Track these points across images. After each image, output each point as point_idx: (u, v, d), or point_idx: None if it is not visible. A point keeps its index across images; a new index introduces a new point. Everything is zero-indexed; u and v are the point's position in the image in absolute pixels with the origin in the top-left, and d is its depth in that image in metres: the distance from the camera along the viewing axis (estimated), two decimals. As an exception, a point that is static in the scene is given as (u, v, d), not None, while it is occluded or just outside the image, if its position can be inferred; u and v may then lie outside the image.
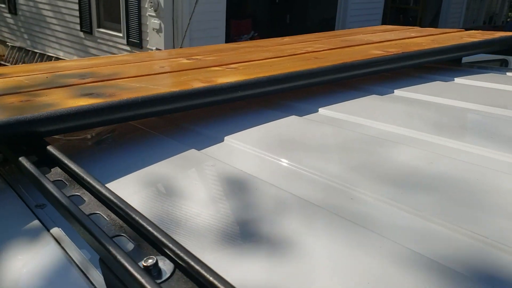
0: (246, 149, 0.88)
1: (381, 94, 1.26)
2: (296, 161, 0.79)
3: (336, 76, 1.23)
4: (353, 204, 0.65)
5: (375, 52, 1.45)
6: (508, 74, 1.53)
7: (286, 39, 1.88)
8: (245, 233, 0.59)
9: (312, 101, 1.19)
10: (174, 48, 6.02)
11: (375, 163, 0.77)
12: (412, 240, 0.56)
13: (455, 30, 2.00)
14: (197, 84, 1.05)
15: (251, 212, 0.63)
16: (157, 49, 6.20)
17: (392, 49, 1.49)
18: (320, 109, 1.12)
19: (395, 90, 1.28)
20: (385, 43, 1.65)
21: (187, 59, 1.41)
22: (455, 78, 1.43)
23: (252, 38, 8.23)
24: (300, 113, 1.09)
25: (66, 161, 0.70)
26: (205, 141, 0.93)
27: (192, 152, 0.86)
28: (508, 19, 14.46)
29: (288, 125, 1.01)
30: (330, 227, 0.59)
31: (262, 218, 0.62)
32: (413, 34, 1.88)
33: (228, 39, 7.19)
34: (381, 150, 0.83)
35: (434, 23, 12.05)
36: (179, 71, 1.24)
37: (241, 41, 8.24)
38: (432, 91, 1.26)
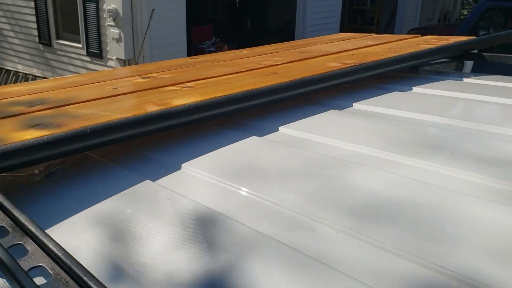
0: (204, 177, 0.84)
1: (340, 108, 1.25)
2: (256, 190, 0.77)
3: (295, 92, 1.21)
4: (315, 237, 0.62)
5: (333, 64, 1.44)
6: (465, 80, 1.56)
7: (245, 51, 1.85)
8: (201, 277, 0.56)
9: (272, 119, 1.17)
10: (135, 57, 5.92)
11: (336, 189, 0.75)
12: (376, 277, 0.54)
13: (411, 36, 2.02)
14: (151, 108, 1.01)
15: (209, 253, 0.60)
16: (117, 59, 6.09)
17: (350, 61, 1.48)
18: (280, 128, 1.10)
19: (353, 104, 1.28)
20: (342, 54, 1.65)
21: (142, 78, 1.37)
22: (413, 88, 1.43)
23: (214, 44, 8.20)
24: (261, 133, 1.07)
25: (7, 205, 0.65)
26: (161, 169, 0.89)
27: (147, 184, 0.82)
28: (462, 17, 14.93)
29: (248, 147, 0.98)
30: (290, 266, 0.56)
31: (220, 259, 0.59)
32: (370, 42, 1.89)
33: (190, 46, 7.11)
34: (342, 174, 0.81)
35: (391, 23, 12.31)
36: (133, 92, 1.20)
37: (203, 47, 8.19)
38: (391, 103, 1.26)
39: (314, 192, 0.75)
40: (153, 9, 4.68)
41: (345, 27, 11.81)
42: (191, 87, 1.22)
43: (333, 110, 1.22)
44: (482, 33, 6.31)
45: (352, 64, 1.42)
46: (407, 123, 1.10)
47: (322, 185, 0.77)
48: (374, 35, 2.13)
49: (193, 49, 7.85)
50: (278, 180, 0.80)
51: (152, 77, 1.38)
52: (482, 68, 1.87)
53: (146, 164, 0.93)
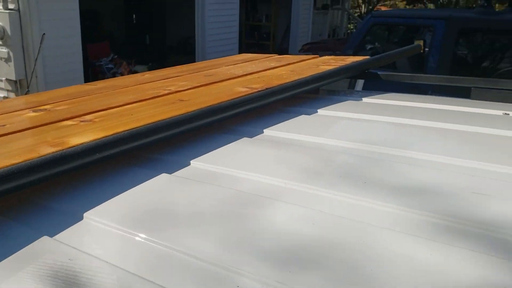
0: (110, 228, 0.76)
1: (251, 135, 1.22)
2: (169, 240, 0.71)
3: (204, 122, 1.16)
4: (239, 293, 0.58)
5: (240, 89, 1.42)
6: (364, 100, 1.61)
7: (147, 75, 1.77)
8: None
9: (181, 151, 1.11)
10: (26, 77, 5.49)
11: (257, 232, 0.72)
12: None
13: (310, 56, 2.08)
14: (46, 149, 0.90)
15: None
16: (7, 80, 5.62)
17: (256, 85, 1.47)
18: (192, 162, 1.04)
19: (264, 130, 1.26)
20: (248, 77, 1.63)
21: (34, 111, 1.24)
22: (318, 110, 1.46)
23: (112, 61, 7.90)
24: (171, 169, 1.01)
25: None
26: (60, 220, 0.79)
27: (44, 241, 0.72)
28: (349, 31, 15.93)
29: (158, 188, 0.91)
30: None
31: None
32: (272, 64, 1.90)
33: (86, 63, 6.78)
34: (261, 213, 0.78)
35: (286, 38, 12.79)
36: (24, 130, 1.07)
37: (100, 64, 7.85)
38: (301, 129, 1.26)
39: (232, 237, 0.70)
40: (44, 34, 4.38)
41: (243, 42, 12.05)
42: (90, 120, 1.13)
43: (245, 138, 1.19)
44: (368, 47, 6.77)
45: (259, 89, 1.41)
46: (319, 150, 1.10)
47: (240, 228, 0.73)
48: (276, 56, 2.16)
49: (90, 67, 7.50)
50: (192, 225, 0.75)
51: (45, 109, 1.25)
52: (376, 86, 1.97)
53: (43, 215, 0.82)
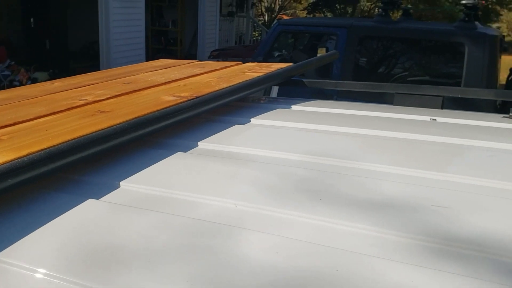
0: (39, 275, 0.62)
1: (185, 149, 1.12)
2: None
3: (132, 136, 1.03)
4: None
5: (168, 98, 1.30)
6: (293, 107, 1.57)
7: (57, 83, 1.59)
8: None
9: (107, 171, 0.97)
10: None
11: (225, 268, 0.62)
12: None
13: (234, 63, 2.00)
14: None
15: None
16: None
17: (184, 93, 1.37)
18: (121, 183, 0.92)
19: (198, 143, 1.16)
20: (172, 85, 1.52)
21: None
22: (250, 119, 1.38)
23: (8, 67, 7.25)
24: (98, 192, 0.87)
25: None
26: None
27: None
28: (254, 38, 16.21)
29: (88, 217, 0.78)
30: None
31: None
32: (196, 71, 1.80)
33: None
34: (225, 244, 0.68)
35: (193, 44, 12.69)
36: None
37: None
38: (238, 140, 1.18)
39: (199, 279, 0.60)
40: None
41: (150, 47, 11.72)
42: (-4, 138, 0.95)
43: (178, 152, 1.08)
44: (276, 54, 6.89)
45: (189, 98, 1.30)
46: (265, 163, 1.02)
47: (206, 266, 0.63)
48: (197, 62, 2.06)
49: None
50: (147, 267, 0.63)
51: None
52: (298, 93, 1.95)
53: None
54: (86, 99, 1.30)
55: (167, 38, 12.70)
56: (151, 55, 11.54)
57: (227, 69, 1.86)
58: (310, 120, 1.38)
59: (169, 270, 0.61)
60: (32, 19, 9.04)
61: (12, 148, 0.88)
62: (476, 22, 4.85)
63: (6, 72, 7.59)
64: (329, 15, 13.86)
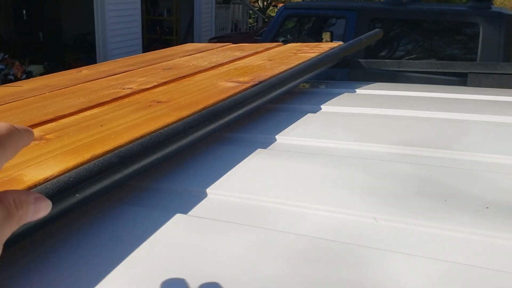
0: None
1: (264, 145, 0.91)
2: None
3: (209, 129, 0.83)
4: None
5: (227, 84, 1.10)
6: (358, 91, 1.37)
7: (84, 71, 1.37)
8: None
9: (182, 176, 0.77)
10: None
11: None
12: None
13: (275, 44, 1.79)
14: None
15: None
16: None
17: (243, 78, 1.16)
18: (208, 191, 0.71)
19: (276, 137, 0.95)
20: (222, 69, 1.31)
21: None
22: (321, 106, 1.18)
23: (2, 61, 6.97)
24: (183, 204, 0.67)
25: None
26: None
27: None
28: (250, 26, 15.90)
29: (183, 237, 0.57)
30: None
31: None
32: (237, 54, 1.59)
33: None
34: (367, 274, 0.48)
35: (189, 32, 12.39)
36: None
37: (-15, 65, 6.87)
38: (319, 132, 0.98)
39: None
40: None
41: (145, 37, 11.42)
42: (41, 138, 0.74)
43: (258, 149, 0.87)
44: (281, 39, 6.68)
45: (252, 83, 1.09)
46: (363, 160, 0.82)
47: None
48: (232, 45, 1.84)
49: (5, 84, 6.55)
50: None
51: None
52: (356, 76, 1.75)
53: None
54: (130, 88, 1.09)
55: (163, 28, 12.40)
56: (146, 45, 11.25)
57: (272, 50, 1.65)
58: (384, 104, 1.18)
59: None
60: (24, 11, 8.70)
61: (67, 151, 0.67)
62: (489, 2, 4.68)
63: (0, 66, 7.31)
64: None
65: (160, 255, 0.54)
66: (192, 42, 12.05)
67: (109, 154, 0.64)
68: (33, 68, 7.91)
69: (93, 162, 0.62)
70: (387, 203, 0.65)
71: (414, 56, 4.83)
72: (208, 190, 0.71)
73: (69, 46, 10.12)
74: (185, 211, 0.65)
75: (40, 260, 0.53)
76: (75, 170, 0.59)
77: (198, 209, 0.66)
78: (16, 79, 7.38)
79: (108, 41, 8.73)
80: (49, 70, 8.38)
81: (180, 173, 0.77)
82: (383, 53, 4.99)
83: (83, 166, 0.60)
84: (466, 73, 1.45)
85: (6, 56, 7.23)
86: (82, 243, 0.57)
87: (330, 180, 0.73)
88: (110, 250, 0.55)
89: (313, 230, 0.59)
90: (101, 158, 0.63)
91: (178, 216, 0.63)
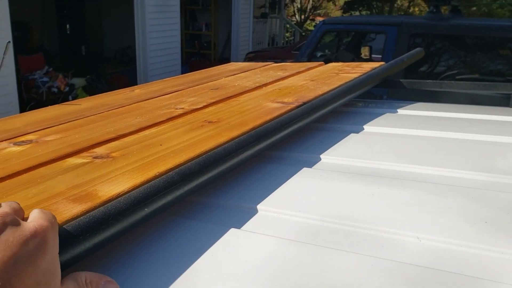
0: None
1: (309, 164, 0.96)
2: None
3: (257, 149, 0.88)
4: None
5: (272, 105, 1.15)
6: (400, 111, 1.40)
7: (137, 90, 1.46)
8: None
9: (232, 193, 0.82)
10: None
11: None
12: None
13: (317, 64, 1.84)
14: (67, 209, 0.59)
15: None
16: None
17: (287, 99, 1.21)
18: (259, 207, 0.76)
19: (321, 156, 1.00)
20: (266, 90, 1.37)
21: (15, 144, 0.90)
22: (363, 126, 1.22)
23: (47, 74, 7.29)
24: (236, 217, 0.72)
25: None
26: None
27: None
28: (287, 39, 16.02)
29: (244, 251, 0.63)
30: None
31: None
32: (280, 73, 1.65)
33: (19, 77, 6.18)
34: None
35: (227, 47, 12.60)
36: (12, 176, 0.74)
37: (34, 77, 7.20)
38: (367, 152, 1.02)
39: None
40: (9, 42, 3.87)
41: (184, 51, 11.69)
42: (107, 156, 0.81)
43: (304, 168, 0.92)
44: (319, 54, 6.72)
45: (296, 104, 1.15)
46: (427, 183, 0.84)
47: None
48: (274, 64, 1.90)
49: (23, 81, 6.88)
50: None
51: (30, 141, 0.92)
52: (395, 95, 1.77)
53: None
54: (182, 108, 1.16)
55: (201, 42, 12.65)
56: (185, 59, 11.50)
57: (314, 70, 1.70)
58: (431, 126, 1.20)
59: None
60: (68, 26, 9.08)
61: (133, 169, 0.74)
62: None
63: (45, 79, 7.63)
64: (364, 13, 13.56)
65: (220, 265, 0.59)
66: (229, 56, 12.26)
67: (171, 172, 0.71)
68: (75, 81, 8.22)
69: (158, 179, 0.68)
70: (429, 224, 0.68)
71: (456, 71, 4.78)
72: (259, 207, 0.76)
73: (110, 59, 10.48)
74: (239, 225, 0.70)
75: (106, 270, 0.59)
76: (143, 187, 0.65)
77: (250, 225, 0.71)
78: (60, 91, 7.70)
79: (148, 55, 8.99)
80: (91, 82, 8.70)
81: (233, 189, 0.83)
82: (423, 68, 4.96)
83: (150, 183, 0.67)
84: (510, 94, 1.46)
85: (50, 69, 7.55)
86: (147, 253, 0.63)
87: (376, 199, 0.77)
88: (172, 260, 0.61)
89: (364, 249, 0.63)
90: (165, 175, 0.70)
91: (232, 230, 0.68)
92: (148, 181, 0.69)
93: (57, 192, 0.66)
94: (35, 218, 0.43)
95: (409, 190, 0.80)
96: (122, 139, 0.92)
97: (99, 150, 0.85)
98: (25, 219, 0.44)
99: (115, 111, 1.16)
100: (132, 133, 0.95)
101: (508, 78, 4.47)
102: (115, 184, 0.68)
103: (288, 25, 15.76)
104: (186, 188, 0.71)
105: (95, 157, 0.81)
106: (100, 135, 0.94)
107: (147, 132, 0.96)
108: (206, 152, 0.81)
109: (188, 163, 0.75)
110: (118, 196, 0.64)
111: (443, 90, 1.53)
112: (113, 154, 0.82)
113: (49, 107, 1.27)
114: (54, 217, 0.45)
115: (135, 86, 1.52)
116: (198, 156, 0.79)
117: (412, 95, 1.62)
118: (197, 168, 0.74)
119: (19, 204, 0.46)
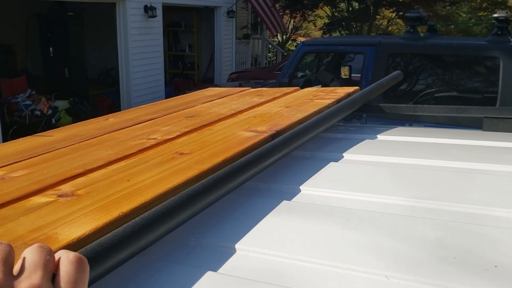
0: None
1: (288, 196, 0.95)
2: None
3: (232, 184, 0.87)
4: None
5: (246, 134, 1.14)
6: (379, 137, 1.39)
7: (111, 119, 1.44)
8: None
9: (208, 231, 0.81)
10: None
11: None
12: None
13: (293, 89, 1.85)
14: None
15: None
16: None
17: (261, 127, 1.21)
18: (237, 246, 0.74)
19: (300, 188, 0.99)
20: (241, 117, 1.36)
21: (-21, 182, 0.88)
22: (343, 154, 1.21)
23: (30, 97, 7.21)
24: (213, 262, 0.71)
25: None
26: None
27: None
28: (269, 59, 16.15)
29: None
30: None
31: None
32: (256, 99, 1.65)
33: (1, 100, 6.12)
34: None
35: (210, 67, 12.63)
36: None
37: (17, 101, 7.12)
38: (348, 183, 1.01)
39: None
40: None
41: (167, 72, 11.70)
42: (72, 194, 0.79)
43: (284, 201, 0.91)
44: (299, 74, 6.78)
45: (269, 132, 1.14)
46: (374, 215, 0.84)
47: None
48: (251, 90, 1.90)
49: (6, 104, 6.80)
50: None
51: (-4, 178, 0.90)
52: (375, 114, 1.78)
53: None
54: (155, 138, 1.14)
55: (185, 62, 12.68)
56: (168, 80, 11.50)
57: (289, 95, 1.70)
58: (410, 153, 1.20)
59: None
60: (51, 48, 9.04)
61: (97, 208, 0.72)
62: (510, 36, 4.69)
63: (27, 102, 7.55)
64: (344, 34, 13.76)
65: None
66: (213, 76, 12.29)
67: (136, 219, 0.67)
68: (58, 103, 8.15)
69: (129, 224, 0.65)
70: (397, 262, 0.67)
71: (434, 89, 4.86)
72: (237, 246, 0.74)
73: (93, 81, 10.44)
74: (215, 268, 0.68)
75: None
76: (107, 236, 0.62)
77: (227, 267, 0.69)
78: (42, 114, 7.62)
79: (131, 76, 8.98)
80: (74, 105, 8.63)
81: (210, 227, 0.81)
82: (402, 87, 5.03)
83: (114, 231, 0.63)
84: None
85: (33, 92, 7.49)
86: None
87: (345, 239, 0.76)
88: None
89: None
90: (138, 219, 0.66)
91: (209, 274, 0.66)
92: (110, 222, 0.67)
93: (17, 236, 0.64)
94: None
95: (377, 225, 0.80)
96: (89, 174, 0.90)
97: (65, 187, 0.83)
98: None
99: (86, 143, 1.14)
100: (100, 167, 0.93)
101: (485, 96, 4.56)
102: (76, 226, 0.66)
103: (270, 46, 15.91)
104: (157, 232, 0.68)
105: (60, 195, 0.79)
106: (67, 170, 0.92)
107: (115, 166, 0.94)
108: (174, 188, 0.80)
109: (167, 203, 0.72)
110: (79, 239, 0.62)
111: (416, 114, 1.54)
112: (78, 192, 0.80)
113: (21, 139, 1.24)
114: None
115: (110, 115, 1.50)
116: (165, 193, 0.77)
117: (392, 114, 1.62)
118: (172, 206, 0.71)
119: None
